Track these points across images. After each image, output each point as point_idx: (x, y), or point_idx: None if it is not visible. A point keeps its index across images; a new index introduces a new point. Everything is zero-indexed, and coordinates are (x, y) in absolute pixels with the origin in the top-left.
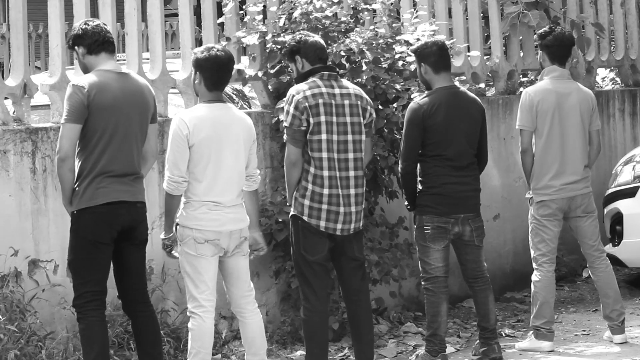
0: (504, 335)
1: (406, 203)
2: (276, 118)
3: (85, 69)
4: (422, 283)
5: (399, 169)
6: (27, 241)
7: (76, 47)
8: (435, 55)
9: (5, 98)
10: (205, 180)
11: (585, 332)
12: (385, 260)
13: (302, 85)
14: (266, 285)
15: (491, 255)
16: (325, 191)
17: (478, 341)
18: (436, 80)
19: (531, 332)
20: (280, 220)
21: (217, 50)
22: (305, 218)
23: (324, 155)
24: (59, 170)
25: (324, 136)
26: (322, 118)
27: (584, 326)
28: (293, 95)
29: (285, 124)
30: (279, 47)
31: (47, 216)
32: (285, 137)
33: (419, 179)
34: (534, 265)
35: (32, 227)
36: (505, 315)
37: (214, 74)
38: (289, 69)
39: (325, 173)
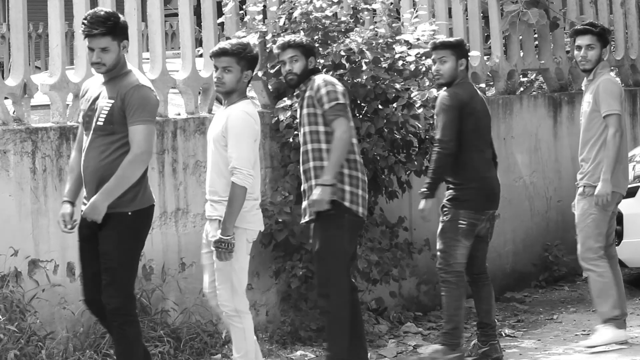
0: (504, 335)
1: (425, 189)
2: (276, 118)
3: (118, 64)
4: (443, 276)
5: (440, 149)
6: (27, 241)
7: (125, 41)
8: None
9: (5, 98)
10: (255, 178)
11: (585, 332)
12: (385, 260)
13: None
14: (266, 285)
15: (491, 255)
16: (361, 175)
17: (474, 342)
18: (463, 76)
19: (601, 325)
20: (280, 220)
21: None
22: (346, 204)
23: (354, 140)
24: (137, 172)
25: (351, 122)
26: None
27: (584, 326)
28: (328, 78)
29: (340, 101)
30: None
31: (47, 216)
32: (336, 114)
33: (459, 171)
34: (591, 255)
35: (32, 227)
36: (505, 315)
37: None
38: (293, 57)
39: (358, 157)
